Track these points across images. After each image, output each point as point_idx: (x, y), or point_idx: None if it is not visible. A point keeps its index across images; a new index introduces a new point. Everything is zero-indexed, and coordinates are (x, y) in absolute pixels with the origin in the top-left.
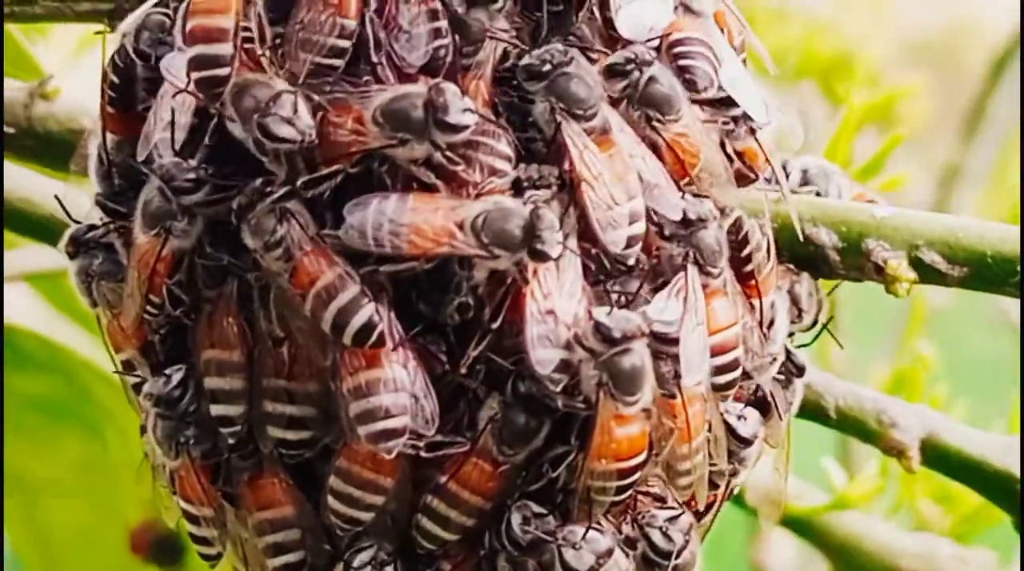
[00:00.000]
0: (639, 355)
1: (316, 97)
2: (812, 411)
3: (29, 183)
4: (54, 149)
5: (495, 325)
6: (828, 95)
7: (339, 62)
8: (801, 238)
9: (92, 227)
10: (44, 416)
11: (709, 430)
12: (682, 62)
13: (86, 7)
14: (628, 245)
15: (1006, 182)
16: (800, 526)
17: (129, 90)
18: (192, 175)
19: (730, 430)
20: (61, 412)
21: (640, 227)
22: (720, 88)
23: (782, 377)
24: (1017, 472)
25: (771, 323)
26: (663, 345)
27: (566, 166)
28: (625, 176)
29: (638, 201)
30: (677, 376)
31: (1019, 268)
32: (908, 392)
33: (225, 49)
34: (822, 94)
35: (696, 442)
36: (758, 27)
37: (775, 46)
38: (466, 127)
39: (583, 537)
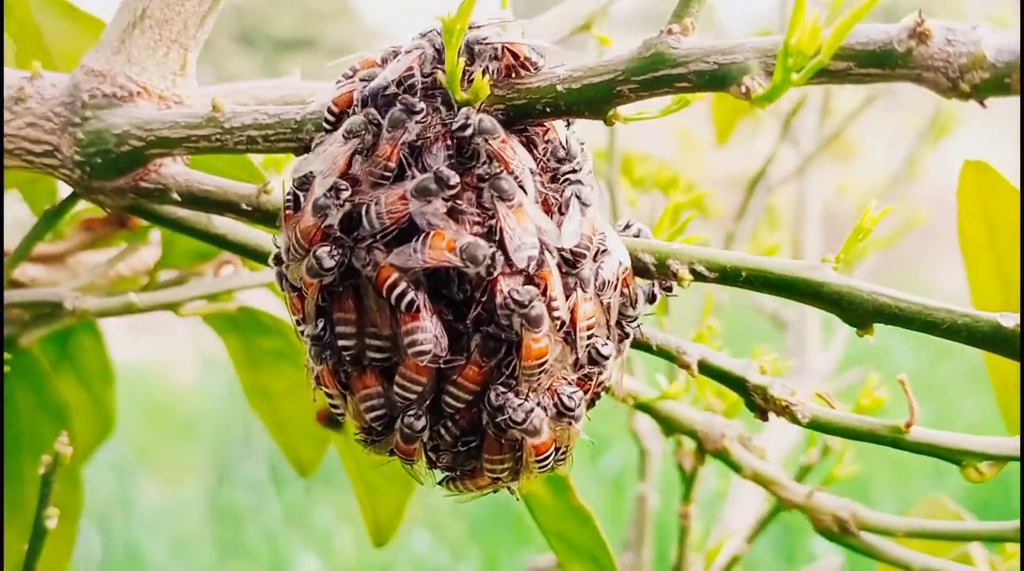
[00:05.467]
0: (538, 308)
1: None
2: (646, 346)
3: (259, 236)
4: (270, 219)
5: (482, 300)
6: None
7: (389, 177)
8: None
9: (278, 257)
10: (275, 358)
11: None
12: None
13: (282, 146)
14: (527, 259)
15: (758, 242)
16: (646, 408)
17: (296, 201)
18: (331, 258)
19: (595, 349)
20: (283, 356)
21: (534, 251)
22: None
23: (622, 336)
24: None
25: (636, 299)
26: (554, 303)
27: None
28: (527, 226)
29: (533, 238)
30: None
31: (742, 272)
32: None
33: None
34: (664, 195)
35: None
36: (631, 164)
37: (643, 172)
38: (457, 185)
39: (521, 403)
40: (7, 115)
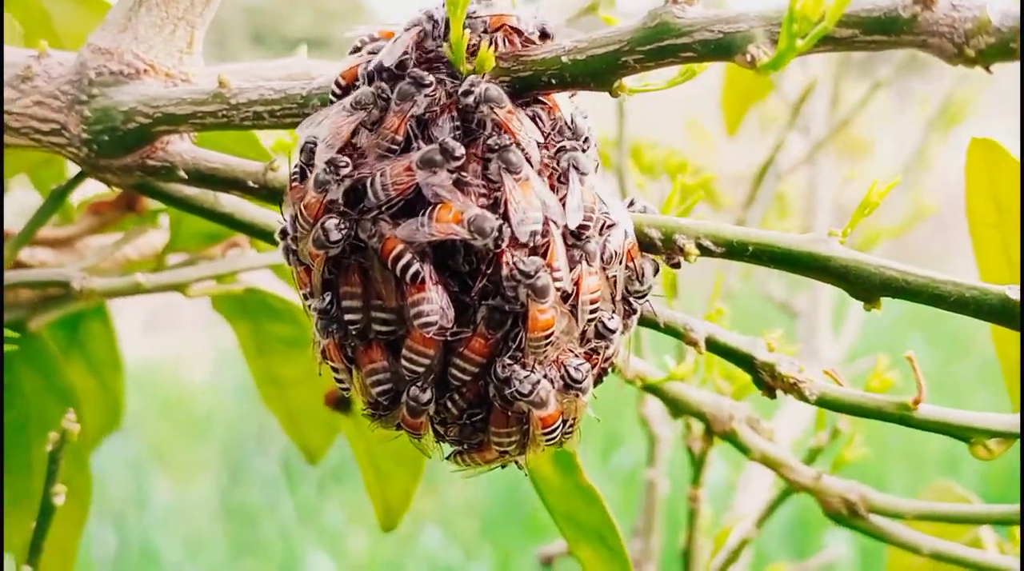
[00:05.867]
0: (544, 279)
1: (380, 165)
2: (653, 323)
3: (266, 214)
4: (277, 196)
5: (488, 272)
6: (673, 181)
7: (395, 150)
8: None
9: (284, 230)
10: (286, 345)
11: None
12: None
13: (288, 121)
14: (530, 234)
15: (767, 229)
16: (654, 390)
17: (304, 173)
18: (338, 230)
19: (602, 323)
20: (294, 341)
21: (537, 226)
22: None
23: (629, 311)
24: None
25: (643, 273)
26: (556, 274)
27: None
28: (532, 200)
29: (537, 213)
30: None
31: (749, 247)
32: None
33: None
34: (671, 181)
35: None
36: (641, 151)
37: (652, 159)
38: (462, 156)
39: (527, 375)
40: (14, 94)
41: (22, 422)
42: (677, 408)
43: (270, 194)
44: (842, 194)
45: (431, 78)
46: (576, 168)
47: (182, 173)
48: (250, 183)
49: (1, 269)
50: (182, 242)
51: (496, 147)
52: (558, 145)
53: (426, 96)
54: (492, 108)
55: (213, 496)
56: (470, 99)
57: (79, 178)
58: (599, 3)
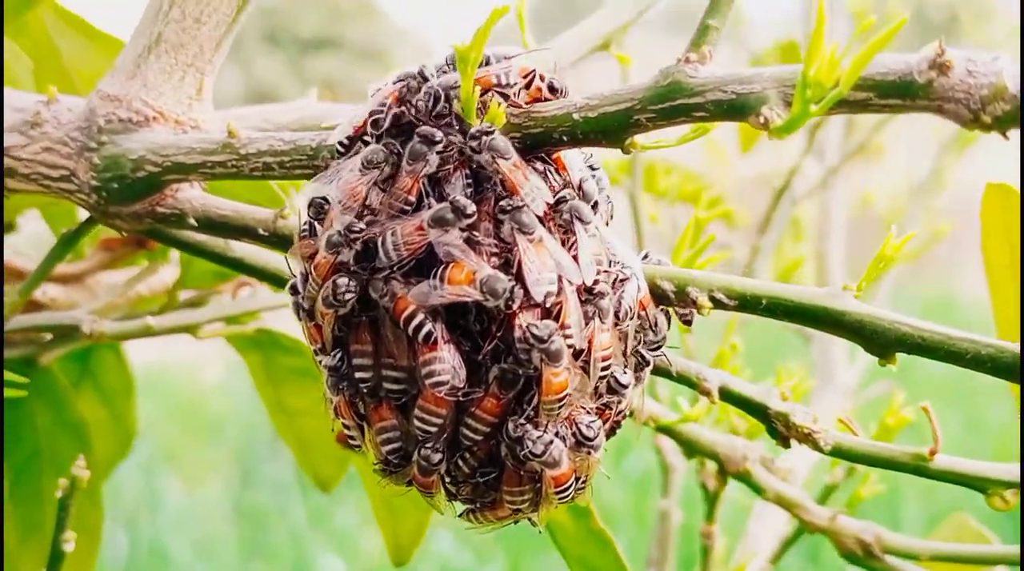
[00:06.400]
0: (558, 343)
1: (395, 223)
2: (666, 372)
3: (277, 261)
4: (286, 244)
5: (499, 333)
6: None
7: (409, 209)
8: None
9: (294, 286)
10: (298, 376)
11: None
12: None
13: (298, 173)
14: (545, 295)
15: (782, 254)
16: (669, 431)
17: (312, 228)
18: (348, 289)
19: (614, 379)
20: (306, 374)
21: (552, 287)
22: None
23: (643, 362)
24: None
25: (656, 324)
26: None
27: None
28: (546, 261)
29: (551, 273)
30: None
31: (762, 300)
32: (722, 364)
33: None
34: (692, 208)
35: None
36: (656, 176)
37: (668, 185)
38: (473, 213)
39: (540, 435)
40: (23, 140)
41: (33, 456)
42: (691, 448)
43: (280, 241)
44: (857, 207)
45: (440, 134)
46: (579, 219)
47: (192, 221)
48: (260, 231)
49: (0, 311)
50: (193, 279)
51: (508, 208)
52: (557, 196)
53: (437, 154)
54: (494, 158)
55: (225, 499)
56: (476, 143)
57: (89, 223)
58: (612, 40)
